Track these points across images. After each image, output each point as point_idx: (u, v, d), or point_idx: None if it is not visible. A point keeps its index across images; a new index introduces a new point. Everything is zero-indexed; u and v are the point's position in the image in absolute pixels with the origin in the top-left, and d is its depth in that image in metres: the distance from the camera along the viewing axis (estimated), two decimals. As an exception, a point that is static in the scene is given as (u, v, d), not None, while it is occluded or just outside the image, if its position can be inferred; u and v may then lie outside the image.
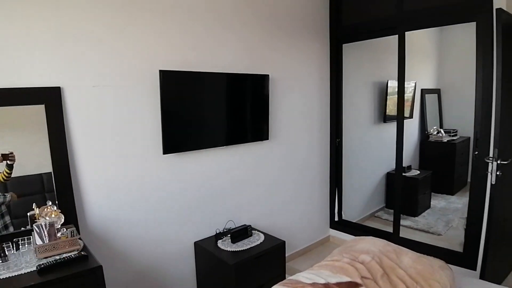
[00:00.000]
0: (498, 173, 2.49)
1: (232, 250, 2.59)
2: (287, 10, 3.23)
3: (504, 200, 2.79)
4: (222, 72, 2.73)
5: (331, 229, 4.01)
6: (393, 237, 3.46)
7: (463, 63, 3.15)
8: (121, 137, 2.28)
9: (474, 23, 2.76)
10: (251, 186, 3.11)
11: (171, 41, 2.46)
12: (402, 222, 4.10)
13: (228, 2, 2.77)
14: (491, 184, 2.55)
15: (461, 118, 5.36)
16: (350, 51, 3.82)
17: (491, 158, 2.52)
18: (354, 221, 4.09)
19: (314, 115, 3.65)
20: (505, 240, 2.99)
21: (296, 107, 3.42)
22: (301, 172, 3.57)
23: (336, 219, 3.99)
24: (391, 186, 4.58)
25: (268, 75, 3.01)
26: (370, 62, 4.36)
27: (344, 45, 3.71)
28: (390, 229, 3.53)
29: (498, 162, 2.48)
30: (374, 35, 3.50)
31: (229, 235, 2.73)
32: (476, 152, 2.82)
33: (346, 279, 1.82)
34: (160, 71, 2.35)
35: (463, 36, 3.22)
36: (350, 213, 4.11)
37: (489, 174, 2.57)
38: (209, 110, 2.70)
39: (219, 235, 2.76)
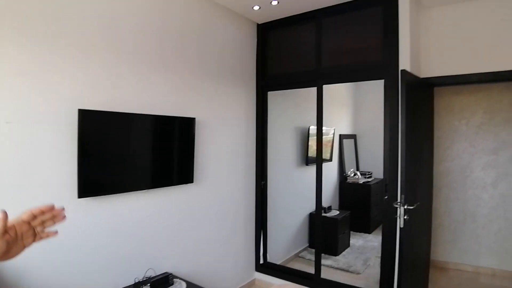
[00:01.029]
0: (405, 217, 2.73)
1: (151, 303, 2.43)
2: (216, 57, 3.33)
3: (414, 239, 3.04)
4: (147, 113, 2.67)
5: (256, 272, 3.98)
6: (315, 279, 3.54)
7: (375, 111, 3.52)
8: (30, 179, 2.07)
9: (383, 80, 3.11)
10: (173, 231, 2.99)
11: (94, 79, 2.36)
12: (324, 261, 4.24)
13: (157, 46, 2.78)
14: (400, 228, 2.77)
15: (375, 161, 5.86)
16: (275, 97, 4.02)
17: (399, 203, 2.75)
18: (279, 262, 4.12)
19: (240, 158, 3.71)
20: (416, 275, 3.23)
21: (222, 150, 3.45)
22: (226, 215, 3.54)
23: (261, 261, 3.99)
24: (313, 226, 4.75)
25: (194, 118, 3.02)
26: (293, 108, 4.63)
27: (269, 92, 3.89)
28: (312, 269, 3.61)
29: (405, 207, 2.72)
30: (296, 86, 3.78)
31: (148, 284, 2.57)
32: (386, 197, 3.08)
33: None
34: (79, 110, 2.22)
35: (375, 89, 3.63)
36: (276, 254, 4.14)
37: (397, 218, 2.80)
38: (132, 152, 2.59)
39: (138, 285, 2.58)
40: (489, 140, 4.13)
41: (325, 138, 5.00)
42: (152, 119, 2.71)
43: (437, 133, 4.26)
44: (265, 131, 3.92)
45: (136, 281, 2.62)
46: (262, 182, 3.94)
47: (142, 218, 2.73)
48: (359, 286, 3.38)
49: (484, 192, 4.13)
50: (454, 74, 3.24)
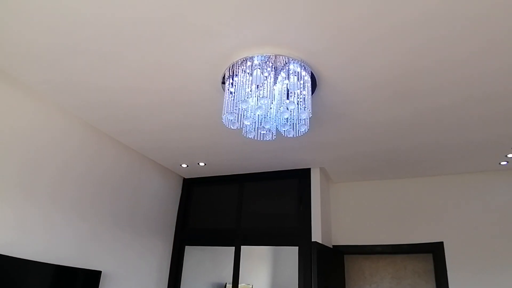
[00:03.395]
0: None
1: None
2: (136, 207, 3.31)
3: None
4: (48, 262, 2.40)
5: None
6: None
7: (293, 270, 3.56)
8: None
9: (297, 247, 3.27)
10: None
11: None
12: None
13: (74, 193, 2.71)
14: None
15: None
16: (193, 251, 3.93)
17: None
18: None
19: (148, 320, 3.34)
20: None
21: (128, 311, 3.11)
22: None
23: None
24: None
25: (100, 271, 2.77)
26: (211, 262, 4.50)
27: (187, 247, 3.81)
28: None
29: None
30: (215, 243, 3.79)
31: None
32: None
33: None
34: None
35: (293, 250, 3.75)
36: None
37: None
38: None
39: None
40: (399, 305, 4.27)
41: (243, 296, 4.79)
42: (53, 269, 2.43)
43: (350, 297, 4.33)
44: (178, 287, 3.68)
45: None
46: None
47: None
48: None
49: None
50: (361, 244, 3.55)
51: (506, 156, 3.07)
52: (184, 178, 4.02)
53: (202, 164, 3.50)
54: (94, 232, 2.87)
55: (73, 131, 2.74)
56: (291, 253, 5.46)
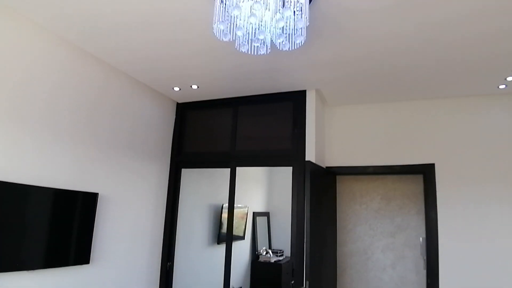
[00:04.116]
0: (309, 303, 2.76)
1: None
2: (131, 132, 3.28)
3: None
4: (45, 186, 2.44)
5: None
6: None
7: (287, 192, 3.68)
8: None
9: (291, 167, 3.32)
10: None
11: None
12: None
13: (67, 116, 2.66)
14: (304, 315, 2.78)
15: (286, 239, 5.95)
16: (189, 174, 4.01)
17: (303, 290, 2.80)
18: None
19: (147, 237, 3.51)
20: None
21: (127, 228, 3.25)
22: (126, 301, 3.22)
23: None
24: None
25: (97, 193, 2.83)
26: (208, 186, 4.63)
27: (184, 170, 3.88)
28: None
29: (309, 294, 2.77)
30: (211, 165, 3.84)
31: None
32: (293, 282, 3.11)
33: None
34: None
35: (286, 170, 3.83)
36: None
37: (302, 305, 2.82)
38: (15, 227, 2.29)
39: None
40: (386, 224, 4.51)
41: (239, 214, 5.02)
42: (50, 193, 2.48)
43: (340, 216, 4.55)
44: (176, 208, 3.82)
45: None
46: (168, 264, 3.72)
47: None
48: None
49: (384, 273, 4.39)
50: (353, 165, 3.62)
51: (506, 79, 3.00)
52: (177, 102, 3.95)
53: (195, 87, 3.41)
54: (89, 156, 2.87)
55: (59, 53, 2.60)
56: (285, 176, 5.62)
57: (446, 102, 3.49)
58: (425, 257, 3.86)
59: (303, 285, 2.91)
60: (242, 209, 5.19)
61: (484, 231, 3.22)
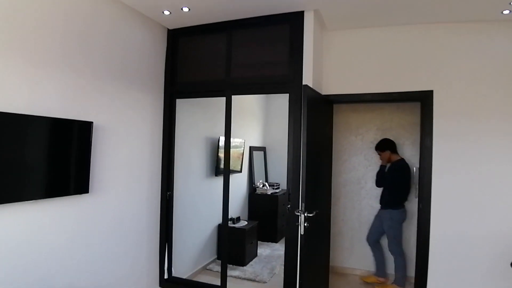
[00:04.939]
0: (306, 224, 2.85)
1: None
2: (122, 60, 3.16)
3: (314, 245, 3.19)
4: (38, 115, 2.39)
5: (160, 288, 3.80)
6: (221, 291, 3.50)
7: (283, 126, 3.66)
8: None
9: (288, 94, 3.26)
10: (66, 247, 2.69)
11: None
12: (232, 272, 4.22)
13: (58, 43, 2.54)
14: (300, 234, 2.89)
15: (282, 173, 6.08)
16: (185, 106, 3.94)
17: (299, 211, 2.87)
18: (185, 276, 3.99)
19: (145, 167, 3.53)
20: (317, 281, 3.38)
21: (125, 158, 3.25)
22: (127, 227, 3.32)
23: (166, 276, 3.81)
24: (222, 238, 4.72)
25: (92, 122, 2.79)
26: (204, 118, 4.59)
27: (178, 100, 3.80)
28: (219, 281, 3.56)
29: (305, 214, 2.85)
30: (206, 94, 3.76)
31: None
32: (289, 206, 3.19)
33: None
34: None
35: (283, 103, 3.78)
36: (182, 268, 4.00)
37: (299, 226, 2.92)
38: (13, 158, 2.28)
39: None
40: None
41: (235, 149, 5.06)
42: (43, 122, 2.43)
43: (336, 147, 4.59)
44: (173, 139, 3.80)
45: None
46: (168, 193, 3.79)
47: (26, 235, 2.39)
48: (264, 295, 3.43)
49: (376, 202, 4.53)
50: (350, 93, 3.56)
51: (510, 3, 2.83)
52: (168, 29, 3.76)
53: (186, 9, 3.22)
54: (81, 85, 2.77)
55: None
56: (281, 107, 5.58)
57: (446, 27, 3.34)
58: (417, 186, 3.95)
59: (298, 208, 2.99)
60: (239, 143, 5.21)
61: (479, 157, 3.24)
